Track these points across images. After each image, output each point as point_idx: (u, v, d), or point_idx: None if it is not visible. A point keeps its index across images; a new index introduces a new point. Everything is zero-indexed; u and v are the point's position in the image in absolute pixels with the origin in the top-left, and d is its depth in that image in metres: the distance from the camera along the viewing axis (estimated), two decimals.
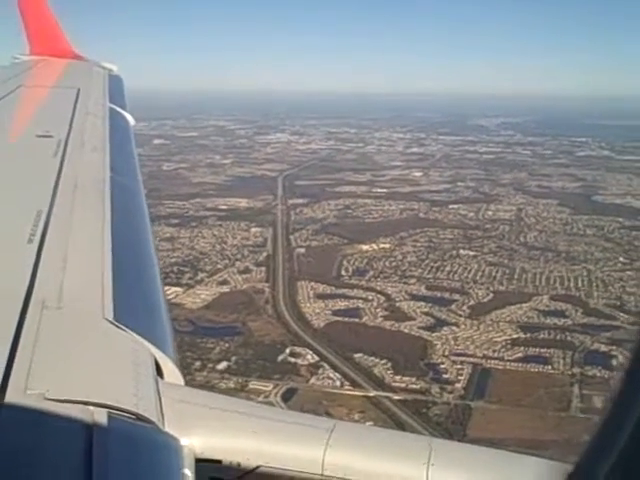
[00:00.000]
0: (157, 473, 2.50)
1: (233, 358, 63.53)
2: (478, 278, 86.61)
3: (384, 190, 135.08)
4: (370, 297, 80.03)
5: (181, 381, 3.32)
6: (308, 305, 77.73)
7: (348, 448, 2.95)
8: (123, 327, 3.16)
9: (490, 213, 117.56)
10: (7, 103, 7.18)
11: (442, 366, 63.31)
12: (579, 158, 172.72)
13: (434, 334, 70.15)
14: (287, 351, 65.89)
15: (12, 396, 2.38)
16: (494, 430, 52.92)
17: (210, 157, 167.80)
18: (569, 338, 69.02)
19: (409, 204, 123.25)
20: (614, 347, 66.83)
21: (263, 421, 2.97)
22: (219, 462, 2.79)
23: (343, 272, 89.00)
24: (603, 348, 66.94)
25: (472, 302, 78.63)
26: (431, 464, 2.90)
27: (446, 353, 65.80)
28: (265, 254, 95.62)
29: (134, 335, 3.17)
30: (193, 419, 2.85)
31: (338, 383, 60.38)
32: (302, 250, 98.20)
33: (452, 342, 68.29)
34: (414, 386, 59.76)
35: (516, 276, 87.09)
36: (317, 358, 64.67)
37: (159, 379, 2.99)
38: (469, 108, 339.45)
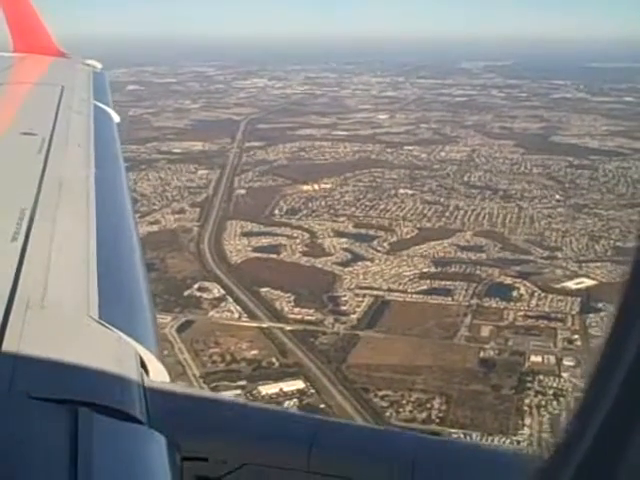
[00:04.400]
0: (143, 472, 2.49)
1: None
2: (409, 216, 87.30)
3: (344, 133, 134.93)
4: (295, 235, 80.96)
5: (166, 378, 3.31)
6: (232, 243, 78.79)
7: (333, 445, 2.95)
8: (108, 325, 3.13)
9: (443, 154, 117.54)
10: None
11: (343, 299, 64.41)
12: (552, 100, 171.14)
13: (346, 269, 71.13)
14: (195, 286, 67.09)
15: None
16: (373, 357, 54.29)
17: (180, 102, 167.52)
18: (478, 272, 69.82)
19: (364, 146, 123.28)
20: (519, 280, 67.73)
21: (249, 418, 3.00)
22: (205, 460, 2.78)
23: (276, 212, 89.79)
24: (508, 281, 67.79)
25: (394, 239, 79.43)
26: (416, 461, 2.87)
27: (351, 287, 66.83)
28: (205, 195, 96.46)
29: (119, 333, 3.13)
30: (179, 417, 2.84)
31: (236, 315, 61.61)
32: (242, 191, 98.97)
33: (361, 277, 69.28)
34: (310, 317, 60.92)
35: (447, 214, 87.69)
36: (223, 292, 65.87)
37: (144, 377, 2.98)
38: (455, 52, 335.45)
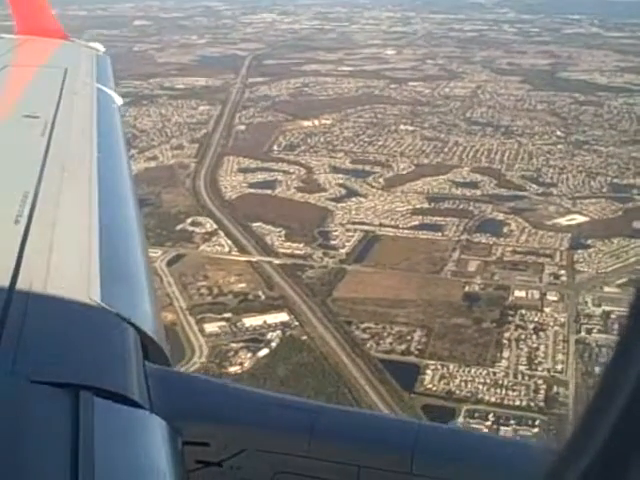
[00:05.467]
0: (144, 456, 2.50)
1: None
2: (407, 152, 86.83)
3: (349, 68, 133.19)
4: (292, 170, 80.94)
5: (168, 363, 3.31)
6: (227, 178, 78.96)
7: (334, 431, 2.97)
8: (110, 308, 3.13)
9: (447, 90, 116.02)
10: None
11: (334, 234, 64.76)
12: (565, 35, 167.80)
13: (339, 204, 71.30)
14: (188, 221, 67.63)
15: None
16: (359, 290, 54.84)
17: (186, 37, 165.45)
18: (471, 208, 69.75)
19: (369, 82, 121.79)
20: (511, 216, 67.67)
21: (250, 404, 3.01)
22: (206, 445, 2.79)
23: (275, 147, 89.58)
24: (500, 217, 67.76)
25: (390, 174, 79.25)
26: (417, 447, 2.90)
27: (343, 222, 67.09)
28: (204, 131, 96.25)
29: (121, 316, 3.13)
30: (180, 402, 2.84)
31: (227, 249, 62.20)
32: (242, 127, 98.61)
33: (353, 212, 69.48)
34: (299, 252, 61.40)
35: (446, 150, 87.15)
36: (215, 227, 66.37)
37: (146, 362, 2.97)
38: None
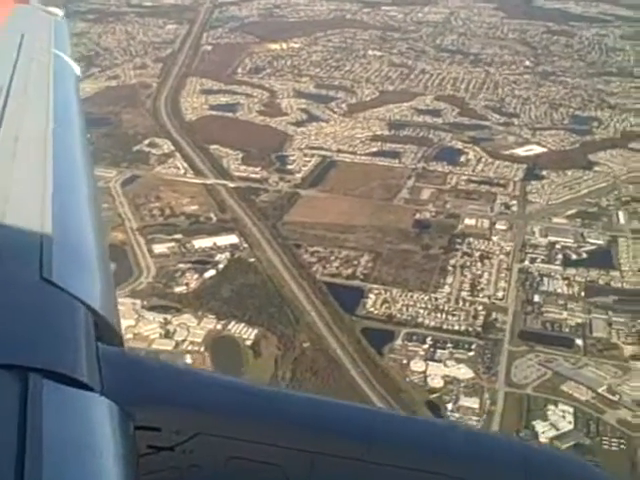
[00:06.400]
0: (95, 441, 2.42)
1: (90, 147, 64.48)
2: (372, 78, 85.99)
3: None
4: (255, 94, 79.98)
5: (121, 344, 3.24)
6: (189, 100, 77.98)
7: (289, 416, 2.92)
8: (62, 286, 3.04)
9: (420, 15, 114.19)
10: None
11: (291, 158, 64.55)
12: None
13: (299, 129, 70.86)
14: (145, 142, 66.96)
15: None
16: (311, 215, 55.10)
17: None
18: (431, 136, 69.62)
19: (341, 5, 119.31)
20: (469, 145, 67.70)
21: (203, 388, 2.95)
22: (158, 430, 2.71)
23: (240, 70, 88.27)
24: (458, 145, 67.77)
25: (354, 100, 78.64)
26: (372, 435, 2.91)
27: (302, 147, 66.82)
28: (169, 51, 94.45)
29: (74, 295, 3.04)
30: (132, 385, 2.77)
31: (182, 172, 61.92)
32: (209, 48, 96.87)
33: (313, 137, 69.17)
34: (255, 175, 61.30)
35: (412, 76, 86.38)
36: (172, 149, 65.87)
37: (98, 343, 2.89)
38: None
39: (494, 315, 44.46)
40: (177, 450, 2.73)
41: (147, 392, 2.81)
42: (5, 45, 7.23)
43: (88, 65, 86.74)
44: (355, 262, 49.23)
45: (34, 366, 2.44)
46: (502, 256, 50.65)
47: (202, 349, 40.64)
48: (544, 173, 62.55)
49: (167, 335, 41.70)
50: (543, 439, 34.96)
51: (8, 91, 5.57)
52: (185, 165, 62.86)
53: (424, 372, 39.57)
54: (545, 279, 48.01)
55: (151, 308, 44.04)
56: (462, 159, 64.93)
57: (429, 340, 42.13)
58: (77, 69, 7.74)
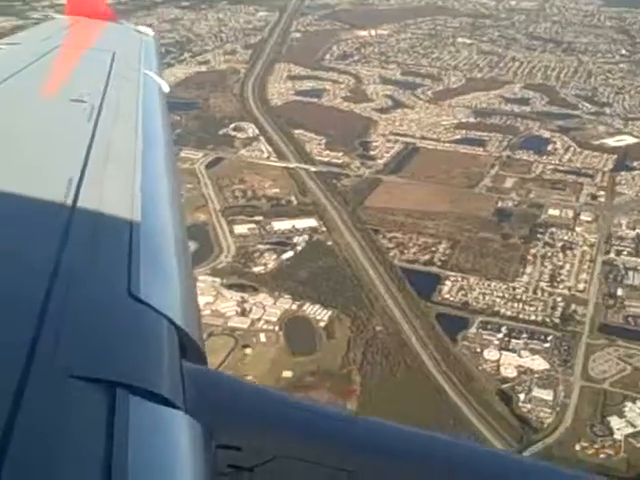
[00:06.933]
0: (176, 457, 2.50)
1: (178, 130, 65.96)
2: (460, 65, 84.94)
3: None
4: (341, 80, 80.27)
5: (205, 362, 3.31)
6: (276, 85, 78.84)
7: (369, 443, 2.92)
8: (149, 303, 3.12)
9: (513, 3, 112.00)
10: (43, 64, 7.21)
11: (374, 144, 64.50)
12: None
13: (384, 115, 70.69)
14: (231, 126, 68.10)
15: (37, 372, 2.42)
16: (391, 201, 54.92)
17: None
18: (517, 124, 68.28)
19: None
20: (557, 134, 66.07)
21: (285, 410, 2.98)
22: (238, 449, 2.76)
23: (327, 56, 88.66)
24: (546, 134, 66.21)
25: (440, 88, 77.88)
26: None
27: (385, 133, 66.64)
28: (259, 37, 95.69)
29: (160, 312, 3.12)
30: (215, 404, 2.83)
31: (266, 155, 62.73)
32: (298, 35, 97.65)
33: (397, 123, 68.86)
34: (337, 160, 61.49)
35: (501, 64, 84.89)
36: (257, 132, 66.79)
37: (183, 360, 2.97)
38: None
39: (573, 307, 43.34)
40: (257, 471, 2.74)
41: (229, 411, 2.85)
42: (97, 63, 7.35)
43: (180, 51, 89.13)
44: (433, 249, 48.85)
45: (121, 381, 2.49)
46: (586, 247, 49.29)
47: (276, 328, 41.19)
48: (635, 164, 60.45)
49: (243, 313, 42.43)
50: (618, 436, 34.01)
51: (100, 109, 5.71)
52: (269, 149, 63.66)
53: (497, 361, 38.97)
54: (630, 272, 46.47)
55: (229, 286, 44.93)
56: (549, 148, 63.44)
57: (504, 329, 41.42)
58: (166, 87, 7.84)
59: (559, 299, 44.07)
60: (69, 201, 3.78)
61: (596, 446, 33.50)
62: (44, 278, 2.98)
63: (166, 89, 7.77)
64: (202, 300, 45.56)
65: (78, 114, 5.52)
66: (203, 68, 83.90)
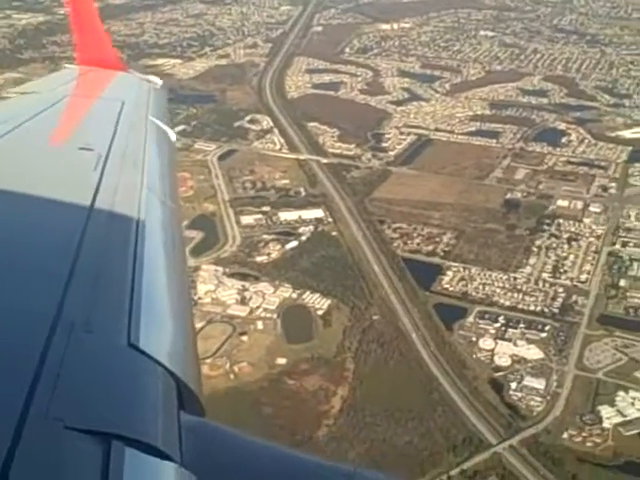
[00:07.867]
0: None
1: (193, 122, 67.00)
2: (480, 58, 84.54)
3: None
4: (359, 73, 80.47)
5: (203, 413, 3.29)
6: (294, 78, 79.32)
7: None
8: (149, 353, 3.12)
9: None
10: (53, 112, 7.46)
11: (387, 136, 64.59)
12: None
13: (399, 108, 70.73)
14: (247, 118, 68.71)
15: (33, 422, 2.41)
16: (399, 192, 55.06)
17: None
18: (533, 116, 67.83)
19: None
20: (573, 126, 65.50)
21: (281, 464, 2.96)
22: None
23: (347, 49, 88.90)
24: (562, 126, 65.68)
25: (458, 80, 77.66)
26: None
27: (399, 125, 66.70)
28: (280, 31, 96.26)
29: (159, 362, 3.12)
30: (211, 456, 2.81)
31: (278, 147, 63.22)
32: (319, 29, 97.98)
33: (412, 116, 68.87)
34: (349, 153, 61.76)
35: (522, 57, 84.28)
36: (271, 125, 67.32)
37: (181, 412, 2.96)
38: None
39: (574, 298, 43.13)
40: None
41: (226, 465, 2.81)
42: (106, 112, 7.63)
43: (202, 44, 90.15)
44: (437, 239, 48.91)
45: (116, 432, 2.47)
46: (592, 239, 48.94)
47: (274, 316, 41.68)
48: None
49: (243, 301, 43.00)
50: (607, 424, 33.88)
51: (106, 158, 5.77)
52: (282, 141, 64.15)
53: (492, 350, 39.02)
54: (635, 264, 46.05)
55: (231, 275, 45.56)
56: (563, 140, 62.91)
57: (501, 319, 41.40)
58: (173, 136, 8.15)
59: (560, 290, 43.87)
60: (72, 250, 3.78)
61: (584, 434, 33.43)
62: (45, 327, 2.99)
63: (173, 137, 8.09)
64: (203, 288, 46.42)
65: (85, 162, 5.62)
66: (223, 61, 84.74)
